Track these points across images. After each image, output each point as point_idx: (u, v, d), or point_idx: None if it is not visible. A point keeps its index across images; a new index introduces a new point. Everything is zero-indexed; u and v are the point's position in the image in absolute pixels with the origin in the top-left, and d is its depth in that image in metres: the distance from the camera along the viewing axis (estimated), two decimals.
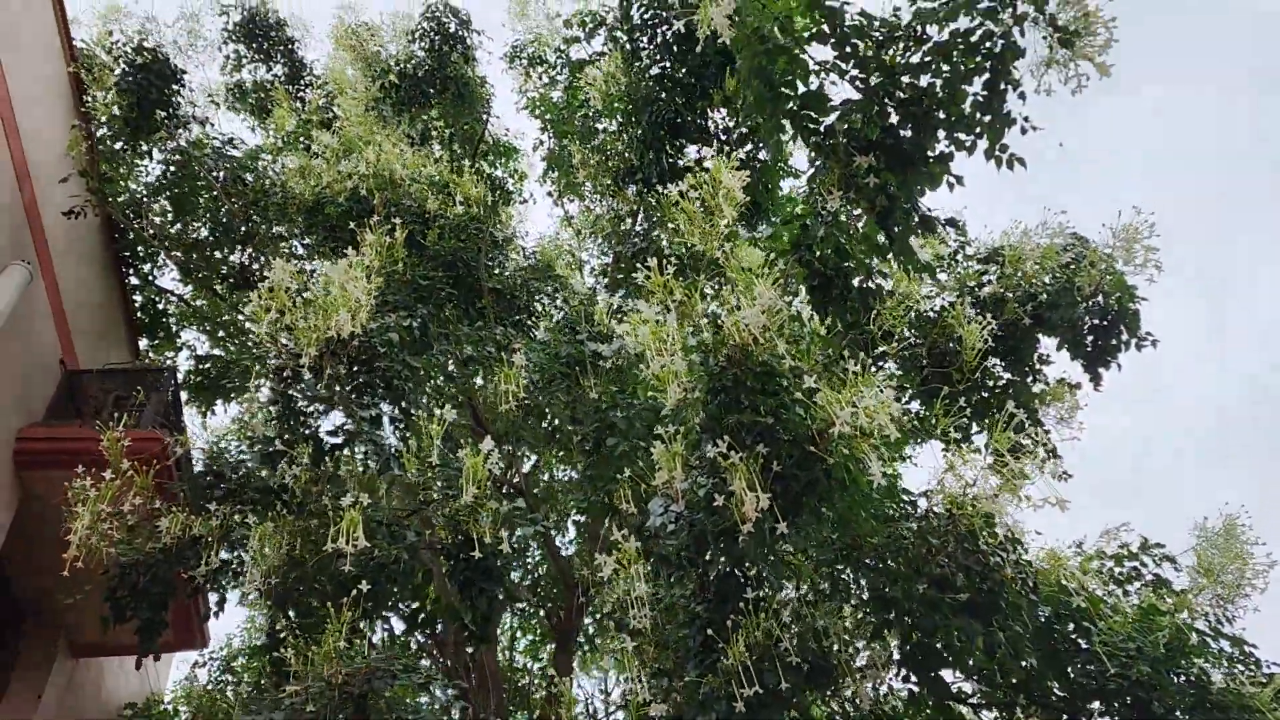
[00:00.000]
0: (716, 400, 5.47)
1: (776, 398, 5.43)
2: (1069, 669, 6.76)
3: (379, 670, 5.17)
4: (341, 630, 5.63)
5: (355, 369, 7.58)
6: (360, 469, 7.22)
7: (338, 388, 7.33)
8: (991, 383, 8.69)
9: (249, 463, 7.75)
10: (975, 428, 8.84)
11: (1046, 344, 8.57)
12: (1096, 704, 6.86)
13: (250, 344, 12.92)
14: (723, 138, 10.09)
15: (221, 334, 14.93)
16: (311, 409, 7.28)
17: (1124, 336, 8.03)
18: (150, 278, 14.12)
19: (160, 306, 14.72)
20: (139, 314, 14.45)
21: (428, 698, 5.47)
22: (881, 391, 5.11)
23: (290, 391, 7.52)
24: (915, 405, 9.07)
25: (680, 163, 10.09)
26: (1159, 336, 8.38)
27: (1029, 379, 8.53)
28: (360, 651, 5.72)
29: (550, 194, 14.20)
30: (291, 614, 7.41)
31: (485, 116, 13.26)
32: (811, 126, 5.67)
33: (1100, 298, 7.87)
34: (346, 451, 7.45)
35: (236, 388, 14.97)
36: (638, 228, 11.29)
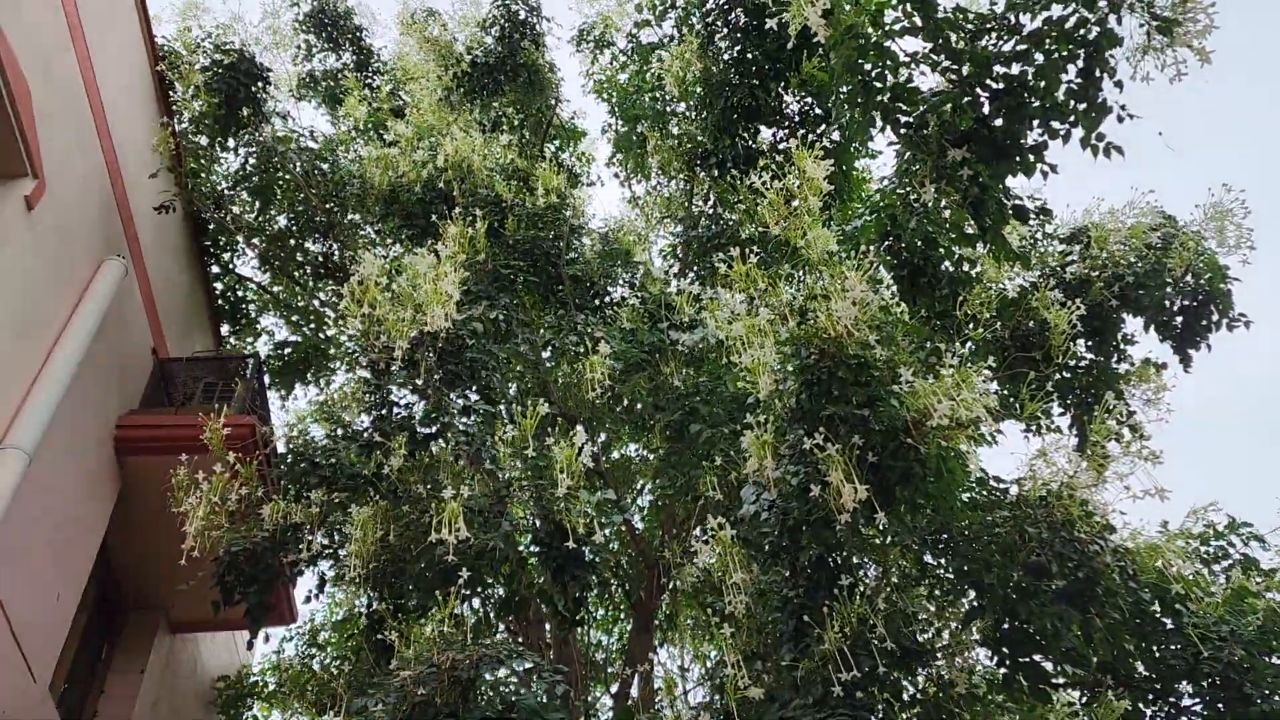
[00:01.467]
0: (810, 392, 5.56)
1: (869, 388, 5.50)
2: (1157, 650, 6.77)
3: (486, 656, 5.36)
4: (447, 617, 5.85)
5: (444, 360, 7.80)
6: (451, 458, 7.43)
7: (428, 378, 7.56)
8: (1074, 362, 8.63)
9: (342, 452, 8.02)
10: (1058, 408, 8.81)
11: (1131, 324, 8.48)
12: (1185, 684, 6.86)
13: (339, 333, 13.26)
14: (796, 120, 10.08)
15: (298, 319, 15.31)
16: (405, 400, 7.51)
17: (1214, 317, 7.92)
18: (230, 266, 14.53)
19: (240, 294, 15.14)
20: (220, 301, 14.89)
21: (533, 681, 5.67)
22: (979, 382, 5.15)
23: (383, 383, 7.77)
24: (994, 386, 9.05)
25: (754, 146, 10.11)
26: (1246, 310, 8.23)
27: (1114, 359, 8.45)
28: (459, 637, 5.93)
29: (616, 175, 14.29)
30: (385, 596, 7.70)
31: (555, 102, 13.37)
32: (902, 118, 5.68)
33: (1190, 278, 7.77)
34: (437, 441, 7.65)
35: (315, 371, 15.40)
36: (709, 210, 11.33)
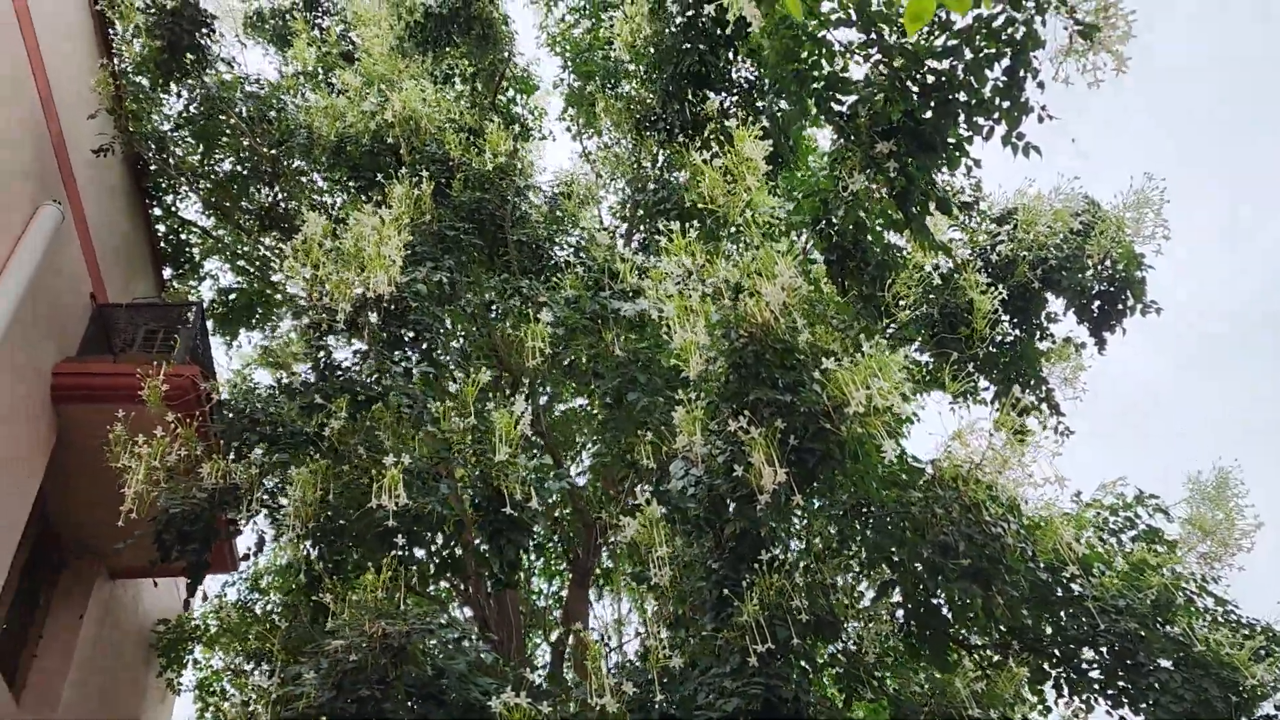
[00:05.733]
0: (737, 375, 5.76)
1: (794, 372, 5.71)
2: (1061, 618, 7.18)
3: (417, 627, 5.55)
4: (381, 585, 6.02)
5: (388, 321, 7.86)
6: (393, 420, 7.54)
7: (371, 340, 7.64)
8: (1000, 338, 8.94)
9: (284, 410, 8.09)
10: (984, 382, 9.15)
11: (1054, 303, 8.79)
12: (1087, 651, 7.31)
13: (284, 280, 13.20)
14: (744, 86, 10.15)
15: (243, 264, 15.17)
16: (347, 361, 7.59)
17: (1130, 302, 8.24)
18: (173, 209, 14.32)
19: (183, 237, 14.94)
20: (162, 245, 14.68)
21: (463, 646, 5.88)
22: (896, 371, 5.38)
23: (325, 344, 7.84)
24: (925, 357, 9.34)
25: (702, 112, 10.18)
26: (1185, 232, 8.49)
27: (1036, 336, 8.77)
28: (392, 605, 6.11)
29: (569, 129, 14.28)
30: (324, 555, 7.84)
31: (508, 55, 13.25)
32: (835, 107, 5.81)
33: (1108, 264, 8.06)
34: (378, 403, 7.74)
35: (260, 318, 15.33)
36: (656, 173, 11.37)
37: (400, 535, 6.32)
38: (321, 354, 7.68)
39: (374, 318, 7.58)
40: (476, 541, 7.57)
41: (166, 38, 10.43)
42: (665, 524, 6.18)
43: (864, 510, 6.60)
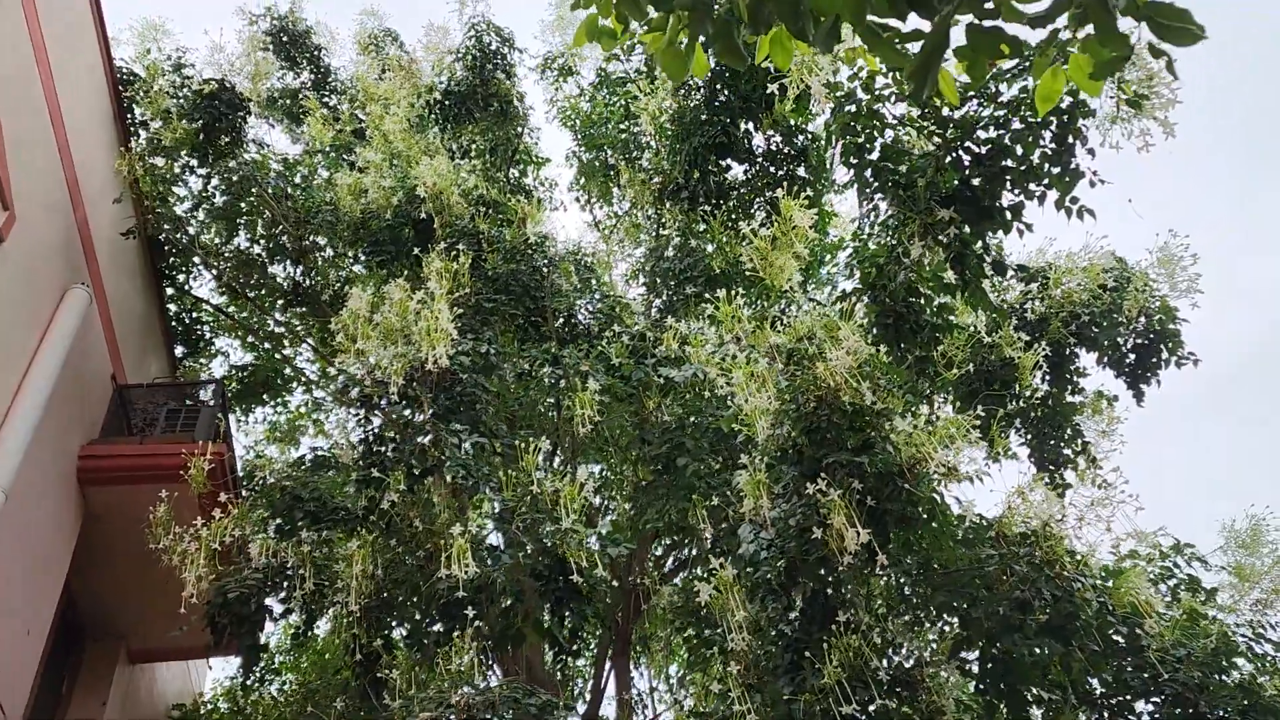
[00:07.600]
0: (810, 439, 5.86)
1: (861, 434, 5.82)
2: (1118, 667, 7.22)
3: (503, 697, 5.55)
4: (458, 651, 6.02)
5: (438, 394, 7.92)
6: (449, 491, 7.57)
7: (431, 412, 7.68)
8: (1030, 393, 9.10)
9: (330, 487, 8.09)
10: (1016, 437, 9.29)
11: (1083, 357, 8.98)
12: (1142, 702, 7.35)
13: (294, 354, 13.25)
14: (765, 158, 10.43)
15: (254, 340, 15.19)
16: (401, 436, 7.62)
17: (1164, 355, 8.44)
18: (186, 288, 14.37)
19: (195, 315, 14.97)
20: (174, 323, 14.69)
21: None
22: (969, 432, 5.51)
23: (374, 416, 7.89)
24: (951, 411, 9.48)
25: (724, 181, 10.44)
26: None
27: (1068, 391, 8.94)
28: (469, 674, 6.11)
29: (578, 199, 14.51)
30: (375, 632, 7.78)
31: (523, 130, 13.53)
32: (892, 177, 6.02)
33: (1143, 319, 8.28)
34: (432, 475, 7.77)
35: (273, 393, 15.33)
36: (677, 241, 11.56)
37: (470, 606, 6.30)
38: (370, 427, 7.73)
39: (428, 391, 7.65)
40: (533, 613, 7.56)
41: (204, 120, 10.62)
42: (740, 589, 6.22)
43: (933, 568, 6.67)
